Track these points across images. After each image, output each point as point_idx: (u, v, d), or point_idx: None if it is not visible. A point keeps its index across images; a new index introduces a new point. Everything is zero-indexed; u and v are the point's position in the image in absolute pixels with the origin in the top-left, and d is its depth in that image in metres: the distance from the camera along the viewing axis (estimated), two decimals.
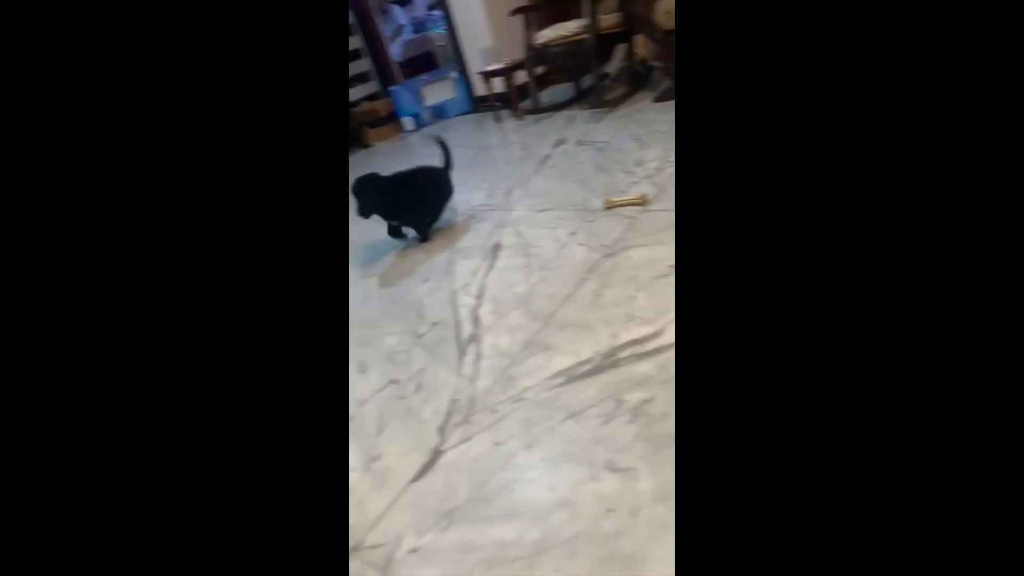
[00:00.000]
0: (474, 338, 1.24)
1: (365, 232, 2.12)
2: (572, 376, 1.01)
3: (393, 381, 1.17)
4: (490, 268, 1.54)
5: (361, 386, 1.19)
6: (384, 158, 3.30)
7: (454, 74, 3.85)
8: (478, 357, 1.16)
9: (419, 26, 5.10)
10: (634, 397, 0.91)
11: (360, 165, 3.29)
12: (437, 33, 4.78)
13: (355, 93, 4.01)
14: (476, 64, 3.56)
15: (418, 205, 1.85)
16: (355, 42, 4.05)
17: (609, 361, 1.02)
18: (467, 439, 0.95)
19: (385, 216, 1.82)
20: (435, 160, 1.98)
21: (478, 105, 3.83)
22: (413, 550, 0.77)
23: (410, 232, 1.94)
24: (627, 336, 1.07)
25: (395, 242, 1.95)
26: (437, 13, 4.84)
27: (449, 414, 1.02)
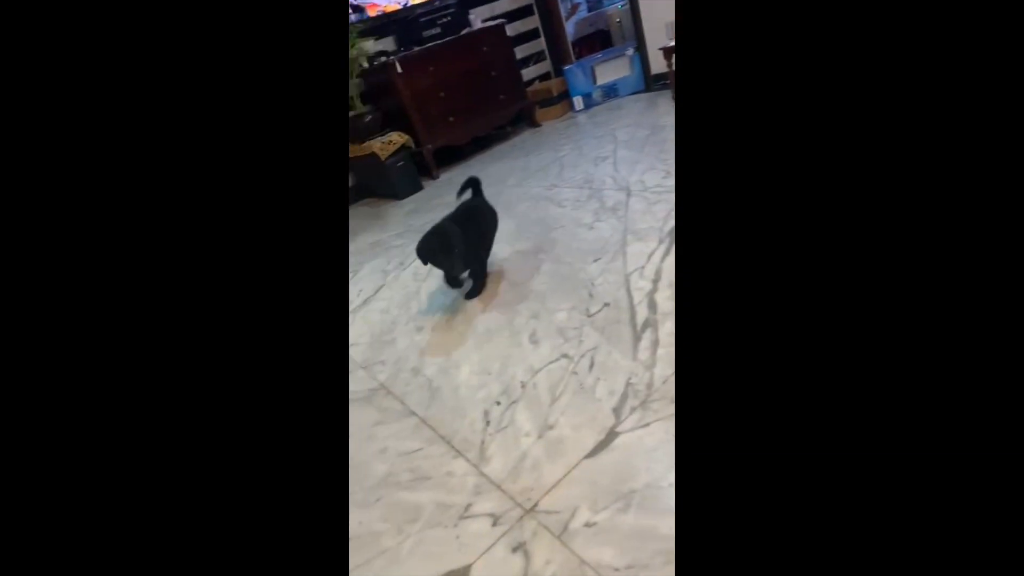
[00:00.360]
0: (650, 323, 1.19)
1: (535, 207, 2.17)
2: None
3: (564, 355, 1.19)
4: (667, 252, 1.46)
5: (533, 356, 1.22)
6: (555, 136, 3.33)
7: (630, 51, 3.71)
8: (655, 343, 1.12)
9: (594, 3, 5.00)
10: None
11: (530, 143, 3.37)
12: (614, 9, 4.64)
13: (529, 73, 4.09)
14: (657, 40, 3.38)
15: (487, 236, 1.74)
16: (532, 22, 4.12)
17: None
18: (645, 425, 0.92)
19: (469, 261, 1.57)
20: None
21: (652, 83, 3.66)
22: (589, 524, 0.77)
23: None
24: None
25: (564, 219, 1.95)
26: None
27: (624, 397, 1.00)
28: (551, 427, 0.99)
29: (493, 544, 0.79)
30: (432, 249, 1.47)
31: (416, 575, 0.79)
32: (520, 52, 4.02)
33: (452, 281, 1.67)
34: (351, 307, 1.82)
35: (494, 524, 0.83)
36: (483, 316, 1.48)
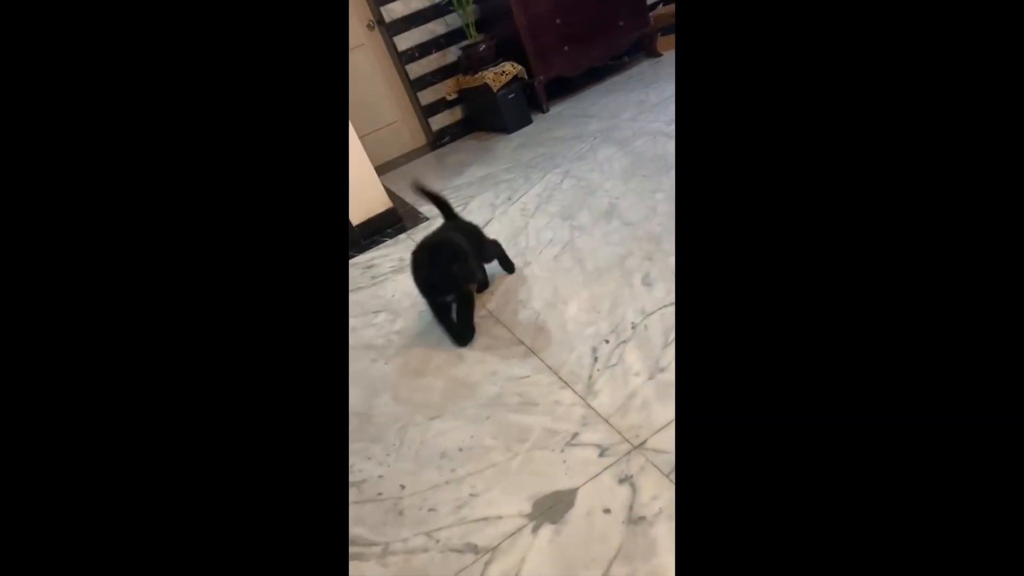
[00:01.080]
0: None
1: (653, 144, 2.05)
2: None
3: None
4: None
5: (646, 298, 1.19)
6: (673, 69, 3.06)
7: None
8: None
9: None
10: None
11: (649, 75, 3.13)
12: None
13: None
14: None
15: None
16: None
17: None
18: None
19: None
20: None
21: None
22: None
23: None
24: None
25: None
26: None
27: None
28: (662, 370, 0.97)
29: (600, 472, 0.82)
30: (439, 264, 1.18)
31: (525, 489, 0.84)
32: None
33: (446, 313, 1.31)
34: None
35: (601, 455, 0.85)
36: (592, 255, 1.46)
